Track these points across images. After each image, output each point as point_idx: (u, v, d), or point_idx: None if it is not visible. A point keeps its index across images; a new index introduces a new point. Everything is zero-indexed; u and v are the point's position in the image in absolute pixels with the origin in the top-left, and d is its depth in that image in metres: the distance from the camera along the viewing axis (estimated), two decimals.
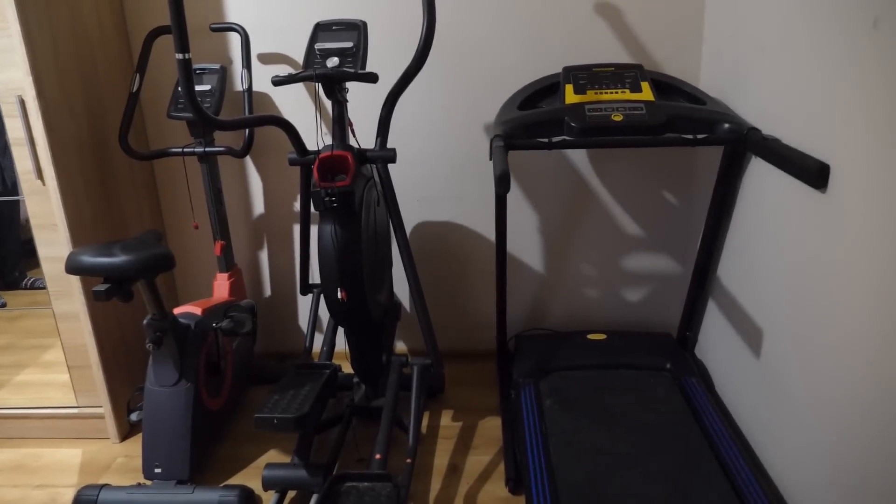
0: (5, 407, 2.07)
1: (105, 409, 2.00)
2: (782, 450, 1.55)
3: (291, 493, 1.75)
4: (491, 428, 2.01)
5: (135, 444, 2.02)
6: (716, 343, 1.99)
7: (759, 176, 1.66)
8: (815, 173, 1.32)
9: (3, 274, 2.32)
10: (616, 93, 1.77)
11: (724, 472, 1.53)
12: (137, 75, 1.99)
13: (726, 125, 1.68)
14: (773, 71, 1.57)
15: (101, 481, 1.77)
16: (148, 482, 1.77)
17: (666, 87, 1.88)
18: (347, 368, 2.04)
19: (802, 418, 1.44)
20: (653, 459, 1.59)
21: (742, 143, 1.64)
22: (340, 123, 1.75)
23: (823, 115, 1.34)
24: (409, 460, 1.71)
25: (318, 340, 2.31)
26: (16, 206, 2.55)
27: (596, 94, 1.77)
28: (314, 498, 1.68)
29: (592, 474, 1.55)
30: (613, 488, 1.50)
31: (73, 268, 1.58)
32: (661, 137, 1.69)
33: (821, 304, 1.35)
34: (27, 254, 2.65)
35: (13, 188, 2.28)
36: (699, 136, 1.70)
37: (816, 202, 1.36)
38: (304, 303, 2.44)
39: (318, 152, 1.67)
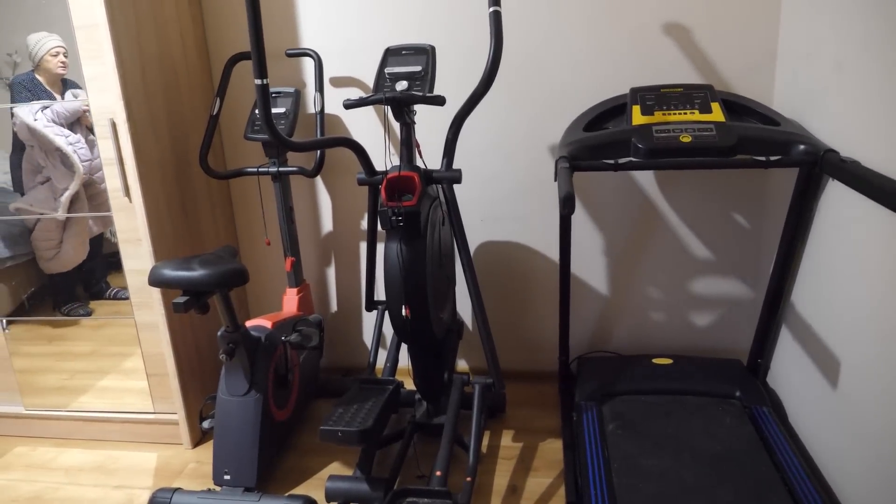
0: (89, 410, 2.20)
1: (179, 415, 2.10)
2: (860, 487, 1.47)
3: None
4: (552, 450, 1.99)
5: (206, 451, 2.10)
6: (789, 372, 1.92)
7: (837, 200, 1.60)
8: None
9: (89, 285, 2.46)
10: (685, 114, 1.74)
11: None
12: (218, 99, 2.10)
13: (801, 147, 1.62)
14: (851, 90, 1.52)
15: (174, 485, 1.85)
16: (217, 488, 1.83)
17: (737, 107, 1.84)
18: (410, 385, 2.07)
19: (882, 454, 1.37)
20: (720, 490, 1.53)
21: (818, 166, 1.59)
22: (408, 145, 1.79)
23: None
24: (468, 479, 1.71)
25: (382, 356, 2.35)
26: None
27: (664, 115, 1.75)
28: None
29: (655, 501, 1.51)
30: None
31: (155, 281, 1.67)
32: (732, 159, 1.65)
33: None
34: (111, 266, 2.80)
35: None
36: (772, 158, 1.66)
37: None
38: (368, 319, 2.49)
39: (385, 173, 1.71)
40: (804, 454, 1.76)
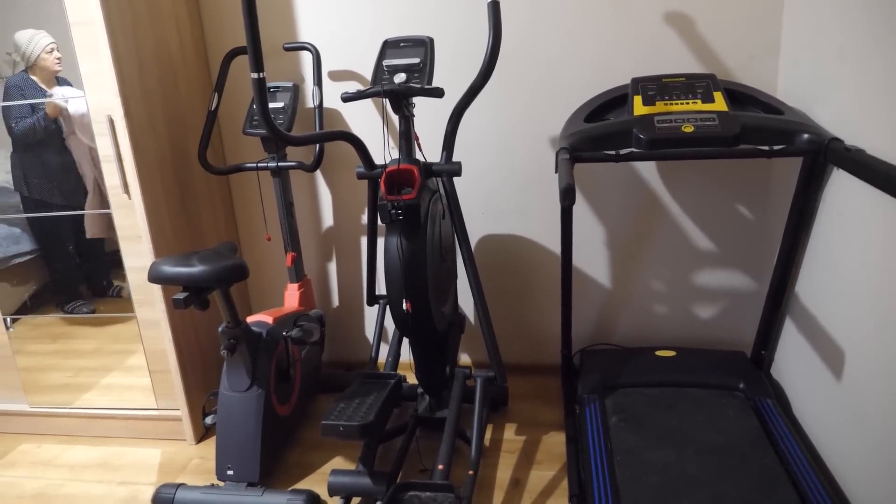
0: (93, 407, 2.21)
1: (182, 412, 2.10)
2: (864, 477, 1.46)
3: (356, 500, 1.78)
4: (554, 443, 1.98)
5: (209, 447, 2.10)
6: (793, 363, 1.90)
7: (842, 188, 1.58)
8: None
9: (92, 283, 2.46)
10: (687, 103, 1.72)
11: (801, 499, 1.45)
12: (216, 94, 2.09)
13: (805, 136, 1.61)
14: (856, 78, 1.50)
15: (178, 481, 1.85)
16: (221, 483, 1.84)
17: (740, 96, 1.82)
18: (412, 379, 2.07)
19: (886, 445, 1.35)
20: (723, 482, 1.53)
21: (823, 155, 1.57)
22: (407, 138, 1.78)
23: None
24: (471, 472, 1.71)
25: (384, 351, 2.35)
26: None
27: (666, 105, 1.73)
28: None
29: (658, 494, 1.50)
30: None
31: (154, 277, 1.66)
32: (736, 149, 1.64)
33: None
34: (112, 264, 2.80)
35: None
36: (776, 148, 1.64)
37: None
38: (370, 313, 2.48)
39: (385, 166, 1.70)
40: (808, 446, 1.75)
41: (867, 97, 1.45)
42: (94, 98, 1.85)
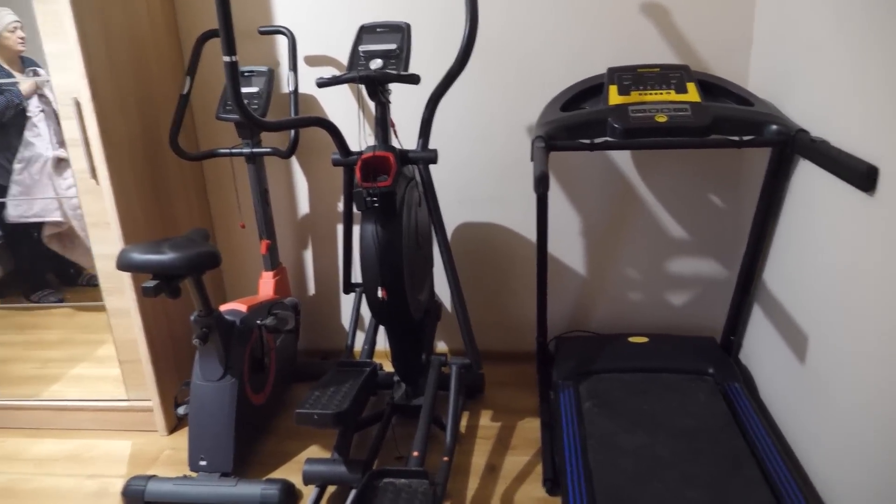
0: (61, 399, 2.16)
1: (154, 402, 2.07)
2: (827, 458, 1.51)
3: (331, 488, 1.78)
4: (530, 429, 2.00)
5: (182, 437, 2.08)
6: (761, 348, 1.95)
7: (807, 179, 1.62)
8: (863, 176, 1.28)
9: (60, 271, 2.41)
10: (661, 94, 1.75)
11: (766, 479, 1.49)
12: (188, 78, 2.05)
13: (774, 127, 1.64)
14: (823, 71, 1.53)
15: (149, 472, 1.83)
16: (193, 474, 1.82)
17: (713, 88, 1.85)
18: (389, 367, 2.07)
19: (848, 427, 1.40)
20: (692, 464, 1.56)
21: (790, 146, 1.60)
22: (383, 124, 1.77)
23: (874, 117, 1.30)
24: (446, 459, 1.72)
25: (360, 339, 2.35)
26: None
27: (640, 94, 1.75)
28: (352, 493, 1.70)
29: (630, 477, 1.53)
30: (651, 492, 1.48)
31: (123, 265, 1.63)
32: (707, 139, 1.66)
33: (868, 309, 1.31)
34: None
35: None
36: (746, 138, 1.67)
37: (865, 205, 1.32)
38: (346, 302, 2.47)
39: (360, 153, 1.69)
40: (774, 428, 1.79)
41: (833, 90, 1.48)
42: (60, 80, 1.80)
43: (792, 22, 1.71)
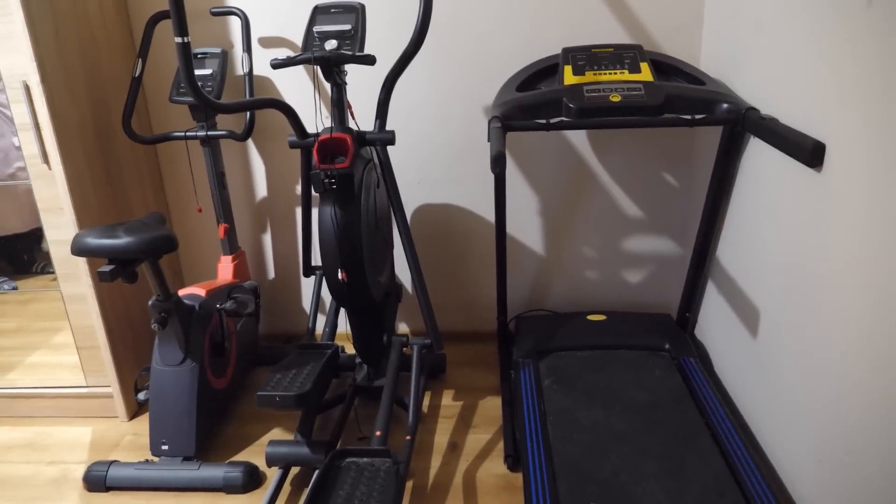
0: (17, 387, 2.12)
1: (113, 388, 2.05)
2: (776, 427, 1.57)
3: (295, 470, 1.79)
4: (491, 407, 2.03)
5: (143, 423, 2.06)
6: (715, 324, 2.01)
7: (757, 156, 1.66)
8: (810, 152, 1.32)
9: (12, 259, 2.36)
10: (615, 73, 1.77)
11: (720, 449, 1.55)
12: (140, 60, 2.01)
13: (725, 105, 1.67)
14: (770, 50, 1.57)
15: (111, 458, 1.82)
16: (155, 459, 1.81)
17: (666, 67, 1.88)
18: (351, 349, 2.08)
19: (794, 396, 1.45)
20: (649, 437, 1.61)
21: (740, 124, 1.64)
22: (339, 106, 1.76)
23: (819, 94, 1.34)
24: (408, 437, 1.74)
25: (321, 321, 2.35)
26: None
27: (595, 74, 1.77)
28: (315, 473, 1.71)
29: (589, 451, 1.57)
30: (609, 464, 1.52)
31: (78, 249, 1.61)
32: (660, 118, 1.69)
33: (814, 284, 1.36)
34: (34, 239, 2.69)
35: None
36: (698, 117, 1.70)
37: (812, 182, 1.37)
38: (307, 284, 2.47)
39: (317, 135, 1.68)
40: (727, 400, 1.85)
41: (780, 68, 1.52)
42: (7, 62, 1.75)
43: (740, 1, 1.75)
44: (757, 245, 1.67)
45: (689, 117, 1.71)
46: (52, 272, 1.97)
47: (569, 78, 1.77)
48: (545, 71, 1.91)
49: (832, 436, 1.30)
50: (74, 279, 1.94)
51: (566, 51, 1.86)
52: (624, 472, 1.49)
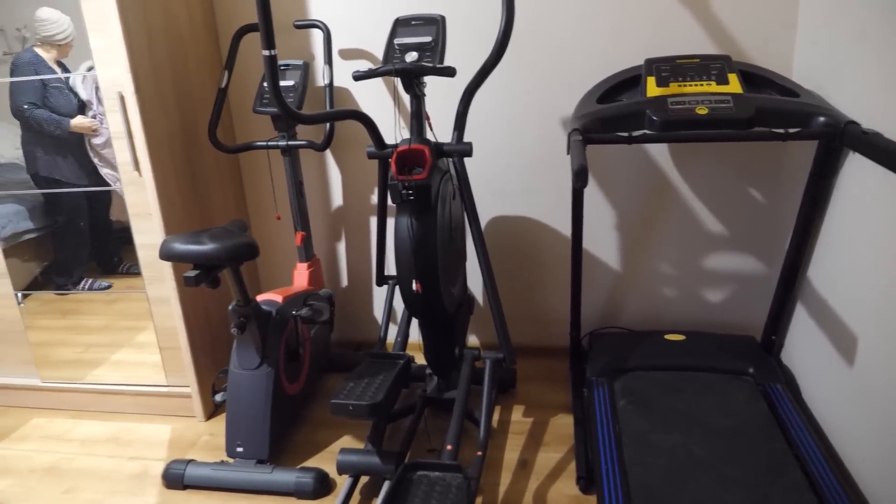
0: (103, 383, 2.22)
1: (192, 388, 2.11)
2: (874, 465, 1.46)
3: (364, 479, 1.79)
4: (562, 425, 1.99)
5: (219, 424, 2.12)
6: (804, 349, 1.90)
7: (858, 173, 1.56)
8: None
9: (103, 260, 2.47)
10: (701, 85, 1.70)
11: (810, 483, 1.45)
12: (226, 72, 2.08)
13: (821, 119, 1.58)
14: (873, 60, 1.48)
15: (188, 457, 1.87)
16: (230, 460, 1.86)
17: (755, 78, 1.80)
18: (421, 360, 2.07)
19: (895, 430, 1.35)
20: (731, 466, 1.53)
21: (839, 138, 1.55)
22: (418, 117, 1.76)
23: None
24: (479, 453, 1.71)
25: (393, 331, 2.36)
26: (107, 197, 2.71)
27: (679, 86, 1.71)
28: (386, 484, 1.71)
29: (666, 477, 1.51)
30: (688, 492, 1.45)
31: (165, 254, 1.67)
32: (750, 132, 1.62)
33: None
34: (122, 241, 2.80)
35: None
36: (791, 131, 1.62)
37: None
38: (379, 294, 2.48)
39: (395, 146, 1.69)
40: (818, 432, 1.74)
41: (885, 79, 1.42)
42: (106, 74, 1.84)
43: (839, 8, 1.65)
44: (856, 267, 1.57)
45: (781, 131, 1.62)
46: (138, 273, 2.05)
47: (652, 90, 1.72)
48: (627, 82, 1.86)
49: None
50: (159, 282, 2.02)
51: (649, 61, 1.80)
52: (705, 502, 1.42)
